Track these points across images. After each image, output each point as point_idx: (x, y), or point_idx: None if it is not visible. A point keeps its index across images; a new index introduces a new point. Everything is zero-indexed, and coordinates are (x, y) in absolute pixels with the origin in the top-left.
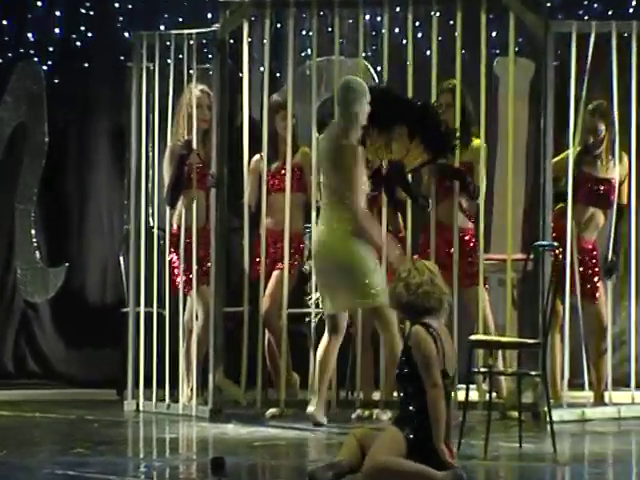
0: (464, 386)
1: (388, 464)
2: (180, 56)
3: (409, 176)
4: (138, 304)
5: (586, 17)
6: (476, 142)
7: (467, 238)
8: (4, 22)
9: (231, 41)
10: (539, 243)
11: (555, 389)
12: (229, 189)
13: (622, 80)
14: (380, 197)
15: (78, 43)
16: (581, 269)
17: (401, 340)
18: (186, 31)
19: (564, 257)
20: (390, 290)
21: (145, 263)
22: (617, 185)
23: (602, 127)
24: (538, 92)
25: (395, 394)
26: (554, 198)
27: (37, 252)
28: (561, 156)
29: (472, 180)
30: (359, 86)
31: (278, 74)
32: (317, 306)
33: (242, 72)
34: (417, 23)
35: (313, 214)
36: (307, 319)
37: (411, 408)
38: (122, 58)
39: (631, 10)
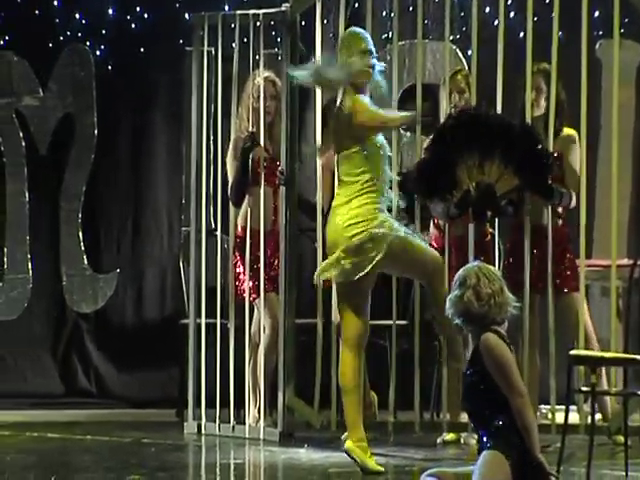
0: (563, 407)
1: None
2: (245, 39)
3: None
4: (199, 315)
5: None
6: (567, 131)
7: (557, 238)
8: (54, 2)
9: (302, 22)
10: None
11: None
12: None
13: None
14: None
15: (133, 25)
16: None
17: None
18: (252, 11)
19: None
20: (455, 298)
21: (206, 269)
22: None
23: None
24: None
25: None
26: None
27: (85, 257)
28: None
29: (562, 193)
30: None
31: None
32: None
33: (315, 57)
34: (510, 1)
35: (394, 212)
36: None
37: (498, 424)
38: (181, 42)
39: None
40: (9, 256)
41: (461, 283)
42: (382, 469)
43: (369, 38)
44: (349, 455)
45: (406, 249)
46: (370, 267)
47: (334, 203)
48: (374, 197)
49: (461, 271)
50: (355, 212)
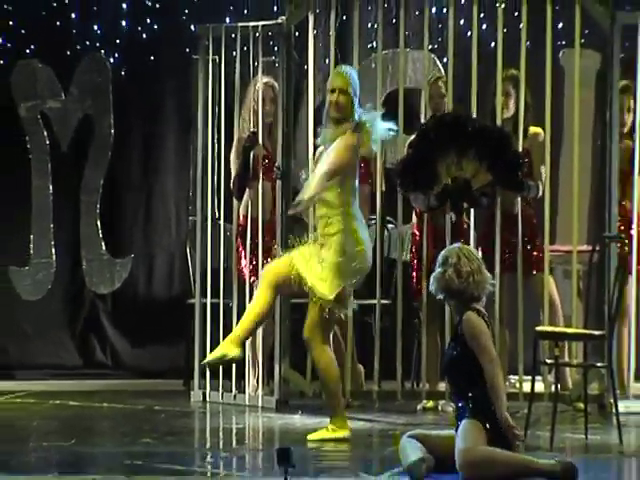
0: (530, 377)
1: (489, 456)
2: (245, 48)
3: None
4: (204, 295)
5: None
6: (533, 130)
7: (526, 226)
8: (71, 15)
9: (296, 33)
10: (607, 234)
11: (621, 380)
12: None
13: None
14: (445, 207)
15: (144, 36)
16: None
17: None
18: (252, 23)
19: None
20: (438, 275)
21: (211, 254)
22: None
23: None
24: (604, 83)
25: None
26: None
27: (103, 244)
28: None
29: (530, 186)
30: None
31: None
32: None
33: (307, 64)
34: (482, 15)
35: (378, 206)
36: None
37: (475, 395)
38: (188, 51)
39: None
40: (35, 243)
41: (443, 262)
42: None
43: (347, 77)
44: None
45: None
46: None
47: None
48: None
49: (444, 251)
50: None
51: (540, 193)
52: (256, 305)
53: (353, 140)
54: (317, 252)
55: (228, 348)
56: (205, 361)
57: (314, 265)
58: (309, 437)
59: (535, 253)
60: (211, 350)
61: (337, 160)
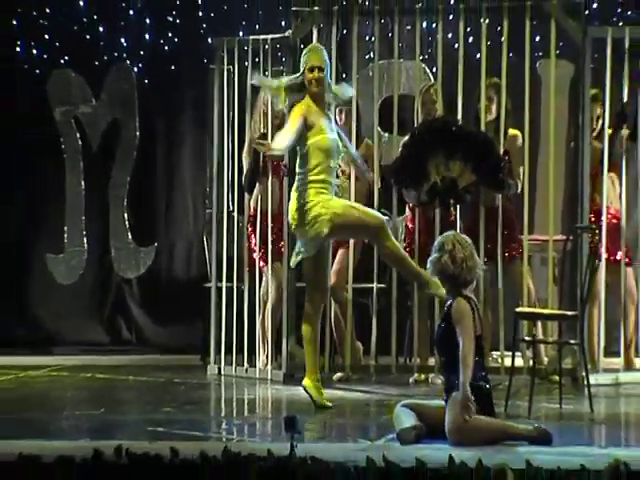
0: (510, 353)
1: (474, 423)
2: (256, 59)
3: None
4: (219, 279)
5: (620, 23)
6: (513, 132)
7: (506, 218)
8: (100, 29)
9: (301, 46)
10: (579, 225)
11: (592, 356)
12: None
13: None
14: (434, 202)
15: (166, 48)
16: None
17: None
18: (262, 37)
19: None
20: (435, 259)
21: (225, 243)
22: None
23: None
24: (577, 90)
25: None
26: None
27: (129, 234)
28: None
29: (510, 186)
30: None
31: (344, 75)
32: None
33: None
34: (468, 29)
35: (375, 198)
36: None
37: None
38: (205, 61)
39: None
40: (68, 233)
41: (440, 248)
42: (330, 404)
43: (322, 54)
44: (305, 390)
45: (347, 219)
46: (319, 244)
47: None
48: (316, 186)
49: (440, 237)
50: (299, 201)
51: (519, 190)
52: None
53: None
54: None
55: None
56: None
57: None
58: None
59: (513, 244)
60: (225, 329)
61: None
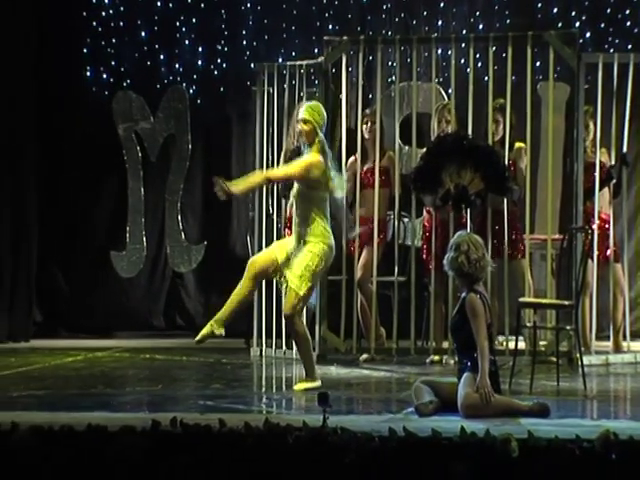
0: (514, 337)
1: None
2: (293, 82)
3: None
4: None
5: (611, 50)
6: (517, 144)
7: (511, 220)
8: (158, 56)
9: (333, 70)
10: (574, 226)
11: (585, 340)
12: None
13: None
14: (448, 206)
15: (215, 72)
16: None
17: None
18: (298, 62)
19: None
20: (451, 258)
21: (266, 242)
22: None
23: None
24: (572, 108)
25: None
26: None
27: (182, 233)
28: None
29: (514, 191)
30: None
31: (370, 95)
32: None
33: (342, 94)
34: (477, 55)
35: (396, 204)
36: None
37: (474, 355)
38: (248, 83)
39: None
40: (130, 233)
41: (456, 248)
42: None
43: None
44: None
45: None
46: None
47: None
48: None
49: (456, 238)
50: None
51: (522, 195)
52: (239, 293)
53: (316, 158)
54: (299, 249)
55: (215, 328)
56: (196, 339)
57: (294, 262)
58: (295, 388)
59: (518, 243)
60: (266, 316)
61: (289, 170)
